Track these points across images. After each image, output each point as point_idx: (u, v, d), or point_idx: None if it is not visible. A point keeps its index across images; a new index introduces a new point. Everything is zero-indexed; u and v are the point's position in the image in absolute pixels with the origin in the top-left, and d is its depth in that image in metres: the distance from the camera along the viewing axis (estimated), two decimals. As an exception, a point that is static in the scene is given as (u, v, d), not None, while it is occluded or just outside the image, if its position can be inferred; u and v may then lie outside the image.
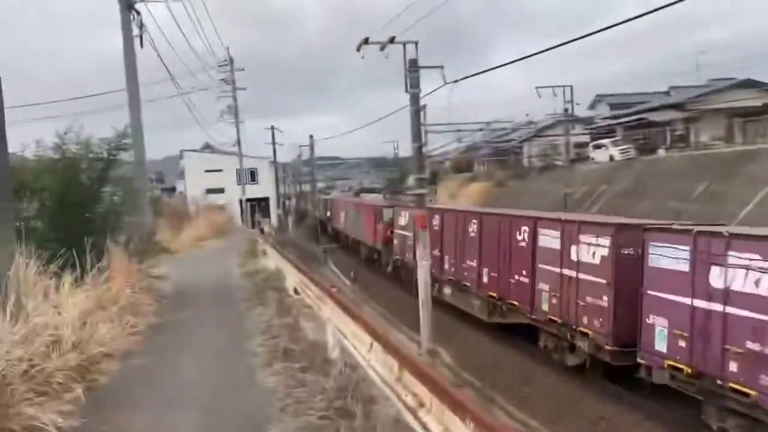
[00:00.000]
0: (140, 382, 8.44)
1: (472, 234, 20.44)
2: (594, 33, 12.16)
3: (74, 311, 9.41)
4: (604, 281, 13.60)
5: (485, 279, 19.38)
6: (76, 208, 14.19)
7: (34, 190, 13.98)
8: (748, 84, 41.85)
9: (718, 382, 10.53)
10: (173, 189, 72.13)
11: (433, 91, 19.08)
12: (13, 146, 12.17)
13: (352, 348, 8.10)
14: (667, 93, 51.50)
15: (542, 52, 14.73)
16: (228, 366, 9.13)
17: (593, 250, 14.05)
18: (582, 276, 14.37)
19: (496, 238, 18.72)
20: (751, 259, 10.02)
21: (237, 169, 50.54)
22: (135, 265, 14.39)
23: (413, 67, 17.97)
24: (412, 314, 19.48)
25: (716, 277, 10.66)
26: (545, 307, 15.87)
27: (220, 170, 56.48)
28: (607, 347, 13.40)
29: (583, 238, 14.50)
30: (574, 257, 14.69)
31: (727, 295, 10.42)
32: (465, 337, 19.48)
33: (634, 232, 13.24)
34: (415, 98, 18.35)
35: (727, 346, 10.34)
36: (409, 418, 5.65)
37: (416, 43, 17.90)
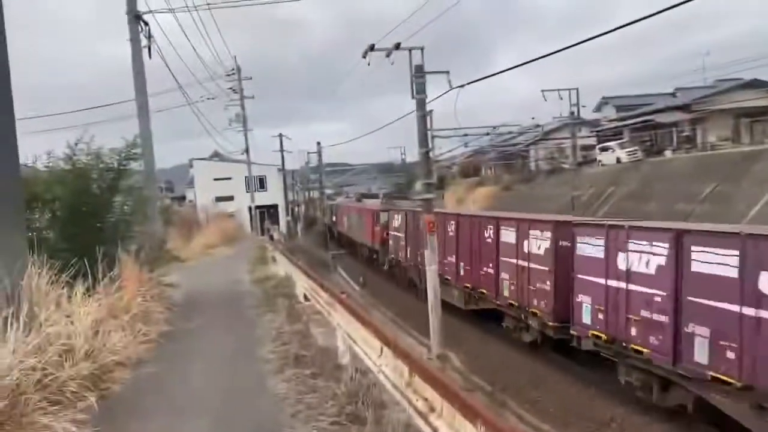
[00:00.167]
0: (152, 390, 8.48)
1: (451, 233, 22.94)
2: (600, 35, 12.12)
3: (86, 320, 9.45)
4: (547, 269, 16.35)
5: (462, 272, 22.03)
6: (87, 217, 14.28)
7: (45, 201, 14.07)
8: (755, 84, 41.72)
9: (624, 344, 13.03)
10: (183, 197, 72.49)
11: (439, 96, 19.18)
12: (24, 157, 12.34)
13: (363, 353, 8.11)
14: (673, 94, 51.34)
15: (548, 55, 14.93)
16: (239, 373, 9.16)
17: (539, 243, 16.82)
18: (532, 265, 17.13)
19: (469, 237, 21.39)
20: (643, 246, 12.54)
21: (246, 177, 50.75)
22: (146, 274, 14.44)
23: (419, 73, 18.02)
24: (421, 319, 19.52)
25: (622, 261, 13.17)
26: (506, 293, 18.67)
27: (229, 178, 56.73)
28: (550, 323, 16.13)
29: (532, 233, 17.26)
30: (526, 250, 17.44)
31: (629, 275, 12.91)
32: (474, 341, 19.50)
33: (568, 227, 15.72)
34: (421, 104, 18.39)
35: (629, 316, 12.86)
36: (420, 423, 5.66)
37: (422, 49, 17.96)
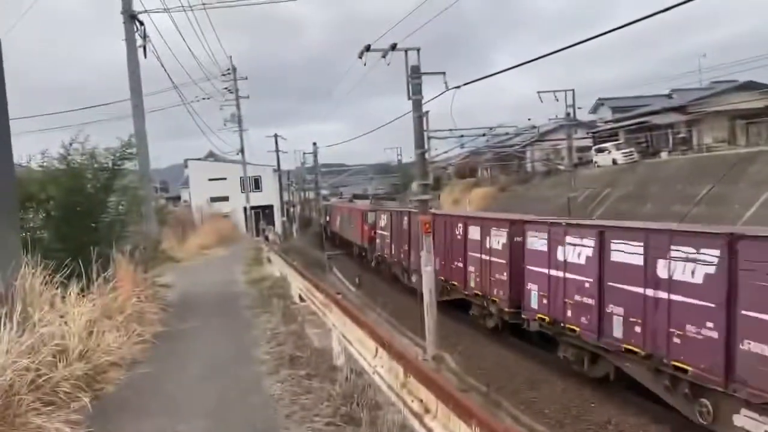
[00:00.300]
0: (147, 390, 8.45)
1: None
2: (596, 37, 12.12)
3: (80, 321, 9.39)
4: (504, 262, 18.59)
5: (437, 266, 22.44)
6: (81, 217, 14.20)
7: (39, 201, 13.98)
8: (750, 86, 41.83)
9: (562, 324, 15.16)
10: (178, 197, 72.30)
11: (436, 97, 19.18)
12: (18, 157, 12.27)
13: (358, 354, 8.09)
14: (668, 96, 51.47)
15: (544, 56, 14.82)
16: (234, 374, 9.13)
17: (499, 239, 19.07)
18: (492, 259, 19.37)
19: (444, 234, 23.05)
20: (576, 240, 14.69)
21: (241, 177, 50.72)
22: (141, 274, 14.41)
23: (415, 74, 17.99)
24: (417, 320, 19.49)
25: (560, 254, 15.32)
26: (472, 284, 20.90)
27: (224, 178, 56.64)
28: (506, 309, 18.37)
29: (493, 231, 19.49)
30: (488, 245, 19.64)
31: (565, 266, 15.10)
32: (469, 342, 19.47)
33: (521, 225, 17.87)
34: (417, 105, 18.37)
35: (566, 300, 14.99)
36: (416, 424, 5.65)
37: (418, 50, 17.92)
